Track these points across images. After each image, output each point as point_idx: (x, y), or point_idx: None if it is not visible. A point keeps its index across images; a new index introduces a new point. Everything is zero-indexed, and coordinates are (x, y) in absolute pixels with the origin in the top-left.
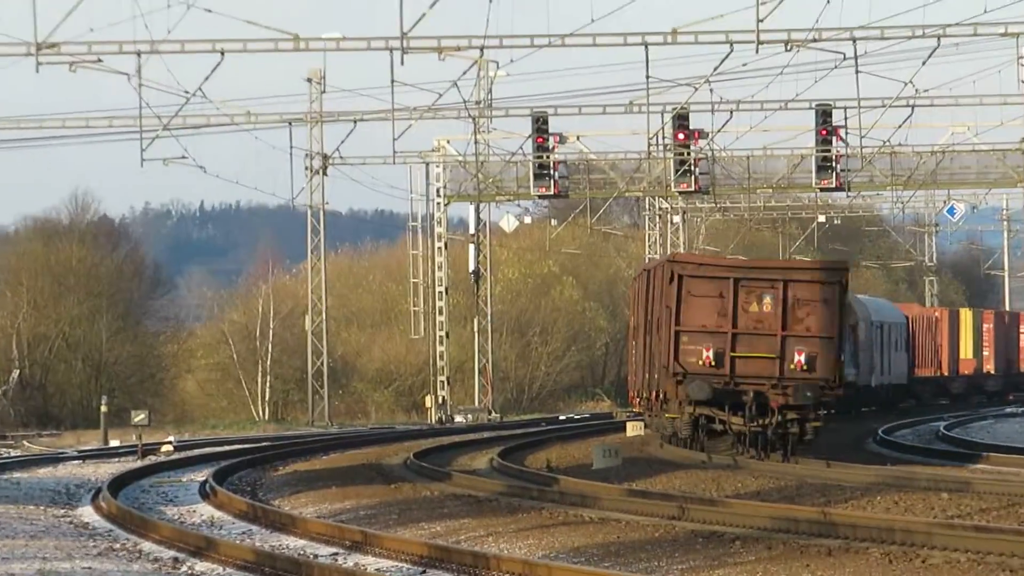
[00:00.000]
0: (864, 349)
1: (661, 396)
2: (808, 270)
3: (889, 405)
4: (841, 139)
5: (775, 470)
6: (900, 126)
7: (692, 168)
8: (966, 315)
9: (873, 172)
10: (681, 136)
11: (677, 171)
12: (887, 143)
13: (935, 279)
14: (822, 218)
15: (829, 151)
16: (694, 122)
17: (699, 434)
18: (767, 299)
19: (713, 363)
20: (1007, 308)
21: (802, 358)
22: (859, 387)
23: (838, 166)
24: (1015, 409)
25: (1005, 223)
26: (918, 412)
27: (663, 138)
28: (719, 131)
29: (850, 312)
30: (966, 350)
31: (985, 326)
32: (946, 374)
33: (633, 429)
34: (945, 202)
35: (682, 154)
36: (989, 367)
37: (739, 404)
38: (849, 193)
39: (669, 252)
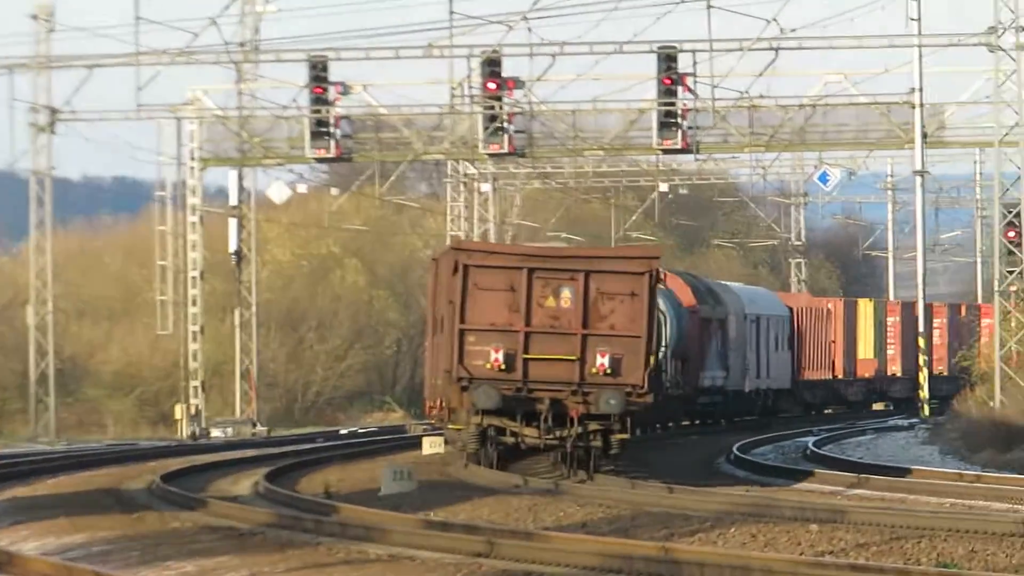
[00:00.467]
0: (735, 348)
1: (445, 405)
2: (614, 259)
3: (768, 414)
4: (689, 90)
5: (605, 496)
6: (761, 74)
7: (505, 125)
8: (866, 307)
9: (728, 130)
10: (492, 86)
11: (487, 129)
12: (745, 95)
13: (803, 261)
14: (665, 187)
15: (674, 105)
16: (508, 69)
17: (488, 449)
18: (566, 293)
19: (503, 367)
20: (891, 296)
21: (606, 360)
22: (728, 393)
23: (685, 123)
24: (899, 421)
25: (889, 192)
26: (794, 424)
27: (469, 88)
28: (539, 80)
29: (716, 303)
30: (866, 349)
31: (890, 320)
32: (840, 377)
33: (431, 446)
34: (816, 167)
35: (493, 108)
36: (895, 369)
37: (533, 413)
38: (698, 156)
39: (476, 229)
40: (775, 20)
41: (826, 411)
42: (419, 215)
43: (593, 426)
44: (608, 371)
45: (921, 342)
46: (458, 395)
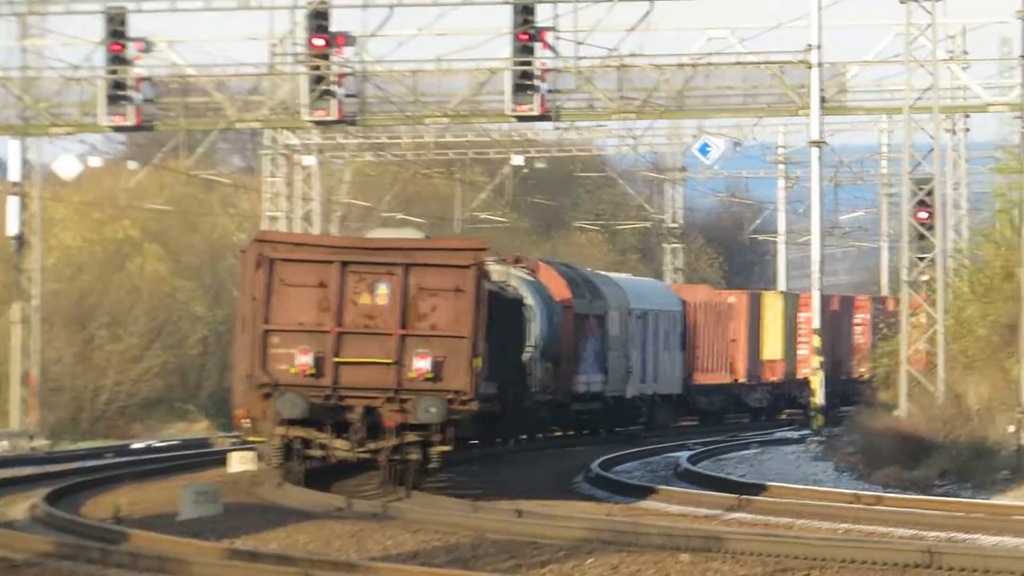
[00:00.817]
0: (616, 348)
1: (247, 415)
2: (436, 251)
3: (657, 424)
4: (549, 47)
5: (442, 521)
6: (633, 28)
7: (333, 88)
8: (775, 301)
9: (593, 94)
10: (318, 42)
11: (312, 92)
12: (614, 53)
13: (680, 246)
14: (519, 160)
15: (531, 64)
16: (337, 22)
17: (296, 463)
18: (382, 289)
19: (312, 371)
20: (782, 286)
21: (426, 364)
22: (608, 400)
23: (544, 86)
24: (789, 433)
25: (781, 167)
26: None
27: (292, 45)
28: (373, 35)
29: (595, 297)
30: (772, 349)
31: (803, 315)
32: (742, 380)
33: (240, 462)
34: (696, 137)
35: (319, 68)
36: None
37: (345, 424)
38: (559, 124)
39: (298, 209)
40: None
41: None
42: (232, 193)
43: (411, 437)
44: (428, 376)
45: (816, 340)
46: (260, 403)
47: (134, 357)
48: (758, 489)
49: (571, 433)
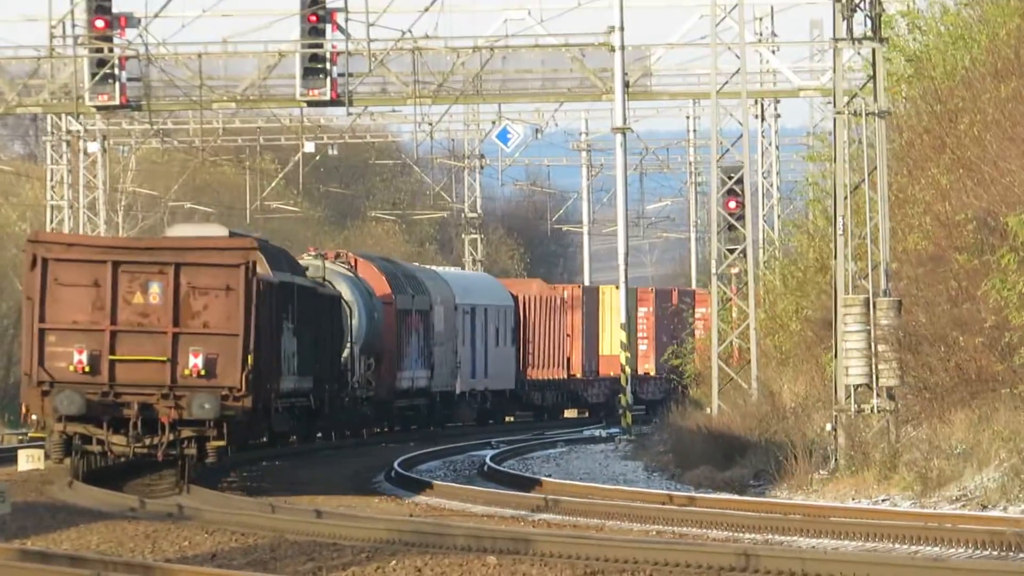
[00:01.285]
0: (442, 343)
1: (27, 411)
2: (206, 250)
3: (488, 419)
4: (339, 28)
5: (239, 522)
6: (427, 9)
7: (116, 72)
8: (612, 296)
9: (387, 78)
10: (100, 24)
11: (94, 76)
12: (407, 35)
13: (479, 237)
14: (311, 147)
15: (321, 47)
16: (120, 3)
17: (75, 459)
18: (155, 288)
19: (88, 369)
20: (587, 279)
21: (199, 361)
22: (434, 395)
23: (335, 69)
24: (596, 431)
25: (584, 154)
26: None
27: (73, 27)
28: (157, 16)
29: (417, 293)
30: (612, 344)
31: (642, 310)
32: (578, 376)
33: (28, 460)
34: (495, 123)
35: (101, 51)
36: (648, 367)
37: (121, 420)
38: (351, 109)
39: (82, 197)
40: None
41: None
42: (13, 181)
43: (186, 432)
44: (202, 372)
45: (623, 336)
46: (39, 400)
47: None
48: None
49: (398, 429)
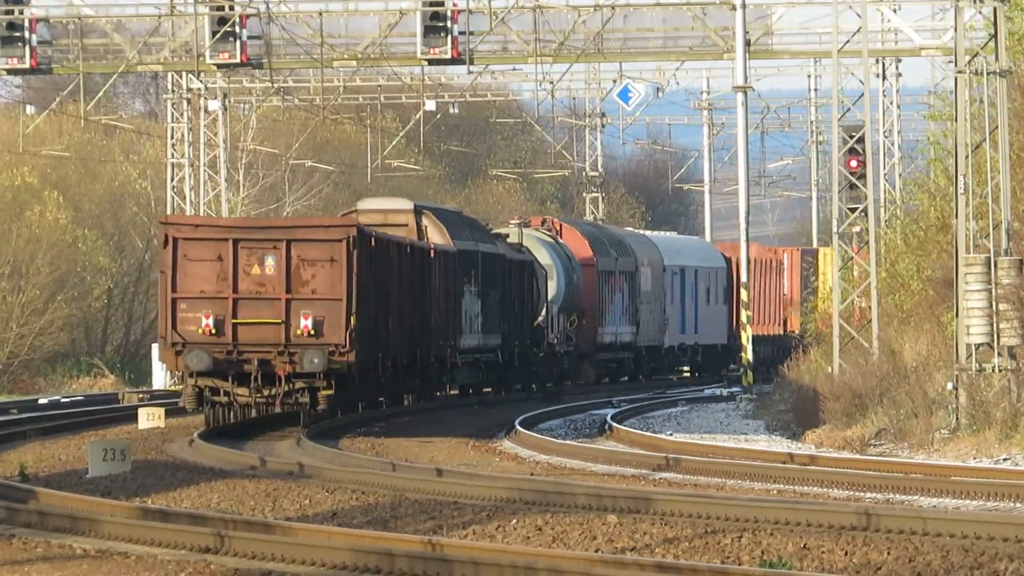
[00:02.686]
0: (649, 302)
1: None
2: (313, 227)
3: (700, 370)
4: None
5: (359, 480)
6: None
7: (237, 30)
8: (831, 256)
9: (508, 36)
10: None
11: (215, 34)
12: None
13: (600, 195)
14: (431, 105)
15: (442, 5)
16: None
17: (206, 408)
18: (269, 261)
19: (214, 331)
20: (707, 237)
21: (308, 322)
22: (639, 349)
23: (456, 27)
24: (718, 390)
25: (705, 113)
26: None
27: None
28: None
29: (622, 255)
30: (825, 302)
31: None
32: (796, 332)
33: (150, 418)
34: (616, 82)
35: (222, 8)
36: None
37: (244, 374)
38: (472, 68)
39: (203, 155)
40: None
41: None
42: (134, 139)
43: (299, 384)
44: (311, 332)
45: (744, 294)
46: (173, 359)
47: (37, 309)
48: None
49: (606, 380)
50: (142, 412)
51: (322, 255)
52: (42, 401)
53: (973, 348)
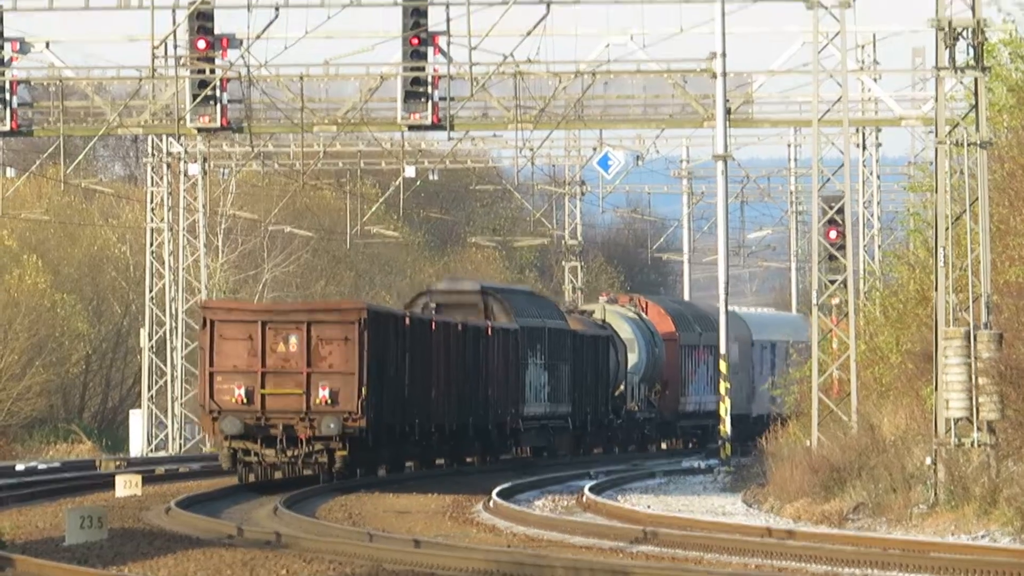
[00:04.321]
0: (736, 372)
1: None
2: (329, 311)
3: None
4: (441, 52)
5: (336, 551)
6: (530, 33)
7: (218, 93)
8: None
9: (488, 103)
10: (202, 44)
11: (195, 97)
12: (509, 59)
13: (579, 264)
14: (411, 171)
15: (423, 70)
16: (221, 23)
17: (238, 467)
18: (293, 340)
19: (245, 400)
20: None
21: (326, 392)
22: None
23: (436, 93)
24: (695, 463)
25: (684, 181)
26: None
27: (175, 48)
28: (259, 37)
29: (706, 330)
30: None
31: None
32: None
33: (127, 486)
34: (596, 149)
35: (203, 72)
36: None
37: (270, 437)
38: (452, 134)
39: (182, 220)
40: None
41: None
42: (113, 203)
43: (318, 446)
44: (328, 401)
45: (723, 366)
46: (210, 424)
47: (14, 375)
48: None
49: (692, 444)
50: (119, 479)
51: (337, 335)
52: (19, 467)
53: (952, 422)
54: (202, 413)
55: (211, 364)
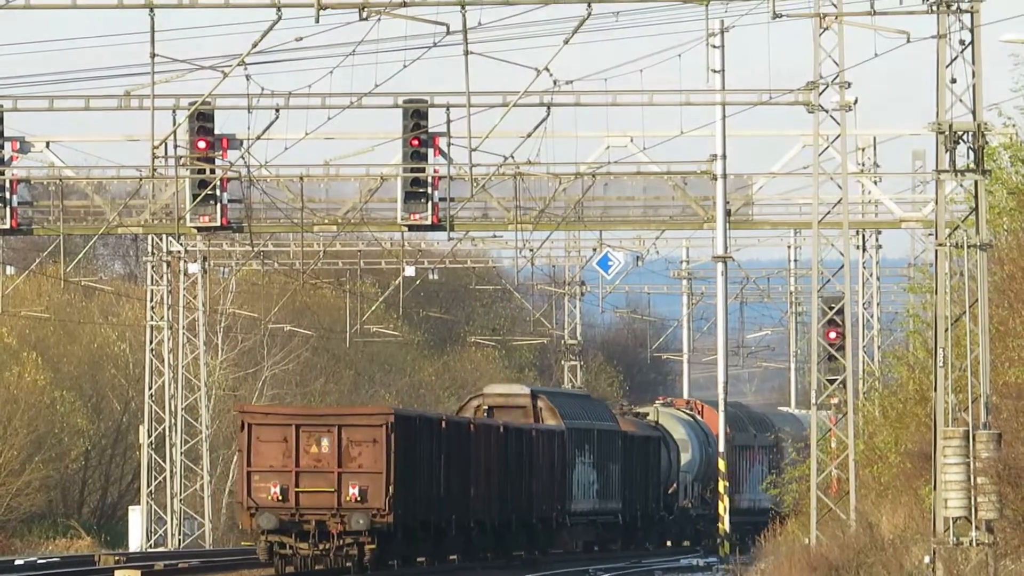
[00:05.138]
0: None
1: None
2: (358, 415)
3: None
4: (442, 153)
5: None
6: (530, 135)
7: (218, 193)
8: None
9: (488, 203)
10: (202, 144)
11: (195, 197)
12: (510, 160)
13: (578, 363)
14: (411, 270)
15: (423, 171)
16: (221, 124)
17: (274, 559)
18: (324, 442)
19: (280, 498)
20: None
21: (355, 491)
22: (780, 512)
23: (436, 193)
24: (694, 560)
25: (684, 282)
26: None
27: (175, 147)
28: (259, 138)
29: (760, 432)
30: None
31: None
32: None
33: None
34: (596, 250)
35: (203, 172)
36: None
37: (304, 532)
38: (452, 234)
39: (182, 318)
40: (547, 70)
41: None
42: (113, 301)
43: (349, 540)
44: (358, 499)
45: (722, 464)
46: (248, 519)
47: (14, 470)
48: None
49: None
50: (118, 574)
51: (366, 437)
52: (18, 562)
53: (951, 521)
54: (240, 509)
55: (249, 464)
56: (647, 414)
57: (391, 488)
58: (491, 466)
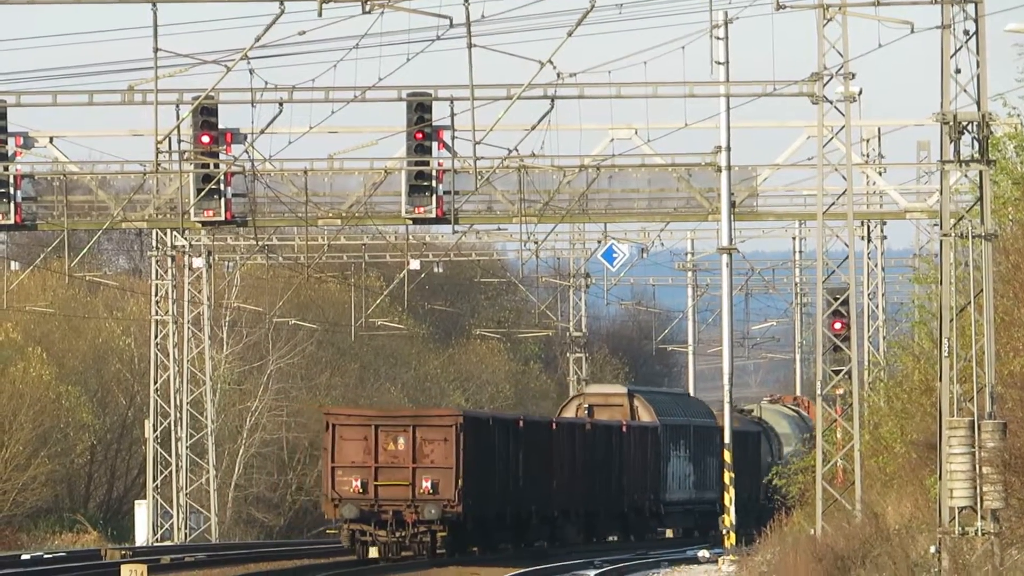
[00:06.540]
0: None
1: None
2: (431, 416)
3: None
4: (445, 146)
5: None
6: (534, 127)
7: (222, 187)
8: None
9: (493, 196)
10: (206, 139)
11: (199, 191)
12: (514, 153)
13: (584, 356)
14: (415, 264)
15: (427, 164)
16: (225, 118)
17: (356, 545)
18: (401, 440)
19: (361, 490)
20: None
21: (428, 484)
22: None
23: (441, 187)
24: (701, 551)
25: (689, 274)
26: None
27: (179, 142)
28: (263, 132)
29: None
30: None
31: None
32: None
33: (132, 575)
34: (600, 242)
35: (207, 166)
36: None
37: (382, 521)
38: (457, 227)
39: (187, 312)
40: (551, 63)
41: None
42: (118, 296)
43: (422, 528)
44: (431, 491)
45: (727, 455)
46: (332, 510)
47: (19, 465)
48: None
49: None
50: (124, 569)
51: (438, 436)
52: (24, 557)
53: (956, 511)
54: (325, 500)
55: (333, 460)
56: (752, 411)
57: (460, 481)
58: (576, 460)
